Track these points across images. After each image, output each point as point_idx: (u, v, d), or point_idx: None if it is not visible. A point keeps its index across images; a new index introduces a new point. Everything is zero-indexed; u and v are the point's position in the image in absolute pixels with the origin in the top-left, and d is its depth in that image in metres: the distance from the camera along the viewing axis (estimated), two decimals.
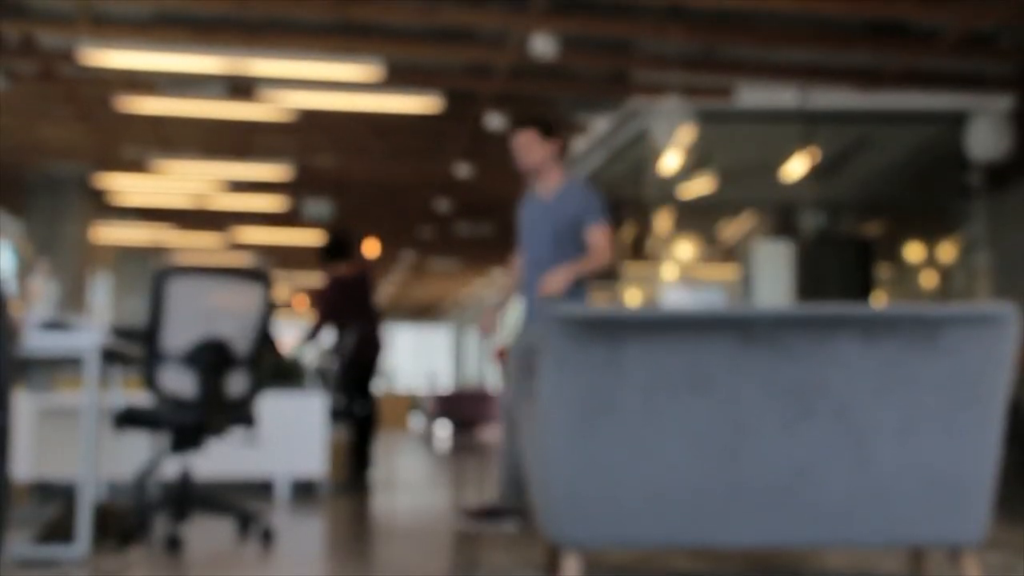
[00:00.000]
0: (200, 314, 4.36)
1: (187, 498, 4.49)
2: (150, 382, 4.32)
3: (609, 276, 12.25)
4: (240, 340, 4.48)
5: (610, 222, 5.02)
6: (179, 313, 4.31)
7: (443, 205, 14.59)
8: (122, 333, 4.81)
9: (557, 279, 4.87)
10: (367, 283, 7.76)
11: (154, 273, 4.34)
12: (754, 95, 9.24)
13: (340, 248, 7.67)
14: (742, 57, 8.74)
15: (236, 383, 4.49)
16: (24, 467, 6.21)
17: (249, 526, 4.61)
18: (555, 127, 5.13)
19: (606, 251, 4.96)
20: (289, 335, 18.22)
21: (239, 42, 8.05)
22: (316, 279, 22.69)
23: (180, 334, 4.32)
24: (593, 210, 4.99)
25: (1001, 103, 8.89)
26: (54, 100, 10.03)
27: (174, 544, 4.17)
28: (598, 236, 4.96)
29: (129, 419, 4.40)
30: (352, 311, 7.61)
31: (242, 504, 4.71)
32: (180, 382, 4.34)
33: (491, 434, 16.11)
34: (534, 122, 5.10)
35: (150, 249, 18.03)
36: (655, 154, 9.02)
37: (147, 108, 9.85)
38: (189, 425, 4.41)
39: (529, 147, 5.08)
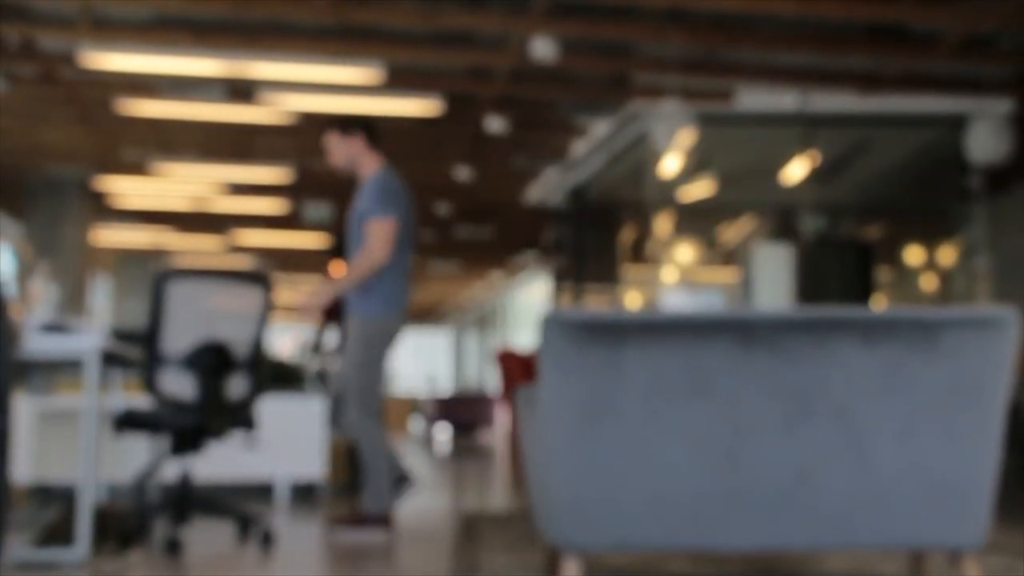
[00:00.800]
0: (200, 317, 4.36)
1: (187, 501, 4.49)
2: (150, 385, 4.33)
3: (610, 279, 12.26)
4: (240, 343, 4.48)
5: (393, 216, 4.84)
6: (179, 316, 4.32)
7: (443, 208, 14.60)
8: (122, 336, 4.81)
9: (312, 298, 4.80)
10: None
11: (154, 275, 4.34)
12: (754, 98, 9.25)
13: (342, 249, 7.75)
14: (742, 60, 8.75)
15: (236, 386, 4.50)
16: (24, 470, 6.21)
17: (249, 529, 4.61)
18: (354, 123, 5.11)
19: (375, 247, 4.79)
20: (288, 338, 18.18)
21: (239, 45, 8.06)
22: (316, 282, 22.70)
23: (180, 337, 4.33)
24: (373, 204, 4.86)
25: (1001, 106, 8.90)
26: (54, 103, 10.03)
27: (174, 547, 4.17)
28: (370, 232, 4.82)
29: (129, 422, 4.40)
30: None
31: (242, 507, 4.71)
32: (180, 385, 4.34)
33: (487, 437, 16.15)
34: (331, 123, 5.12)
35: (150, 252, 18.03)
36: (655, 157, 9.03)
37: (147, 111, 9.86)
38: (189, 428, 4.41)
39: (332, 148, 5.12)
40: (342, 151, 5.10)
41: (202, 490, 4.76)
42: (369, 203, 4.88)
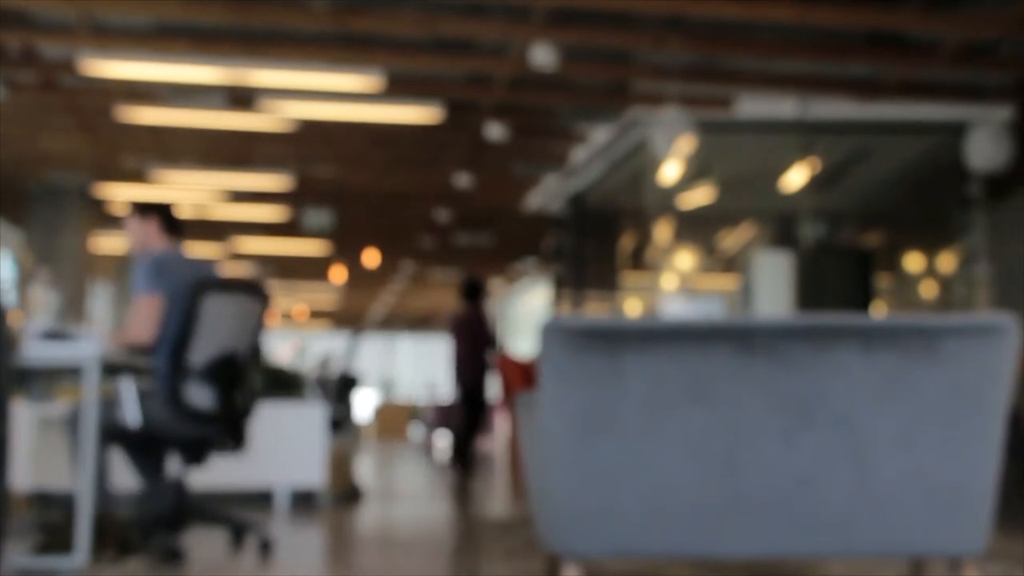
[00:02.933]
0: (221, 329, 4.46)
1: (184, 509, 4.50)
2: (175, 396, 4.37)
3: (610, 287, 12.25)
4: (244, 354, 4.55)
5: (154, 291, 4.62)
6: (208, 328, 4.41)
7: (443, 215, 14.60)
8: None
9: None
10: (478, 321, 9.94)
11: (190, 286, 4.39)
12: (753, 105, 9.25)
13: (466, 290, 9.94)
14: (741, 68, 8.75)
15: (242, 397, 4.58)
16: (23, 477, 6.20)
17: (245, 536, 4.60)
18: (153, 206, 4.93)
19: (135, 325, 4.58)
20: (287, 346, 18.16)
21: (239, 52, 8.06)
22: (317, 290, 22.72)
23: (205, 349, 4.43)
24: (137, 285, 4.68)
25: (1000, 114, 8.90)
26: (54, 110, 10.04)
27: (174, 556, 4.17)
28: (132, 309, 4.65)
29: (148, 438, 4.47)
30: (465, 342, 9.88)
31: (239, 514, 4.71)
32: (201, 397, 4.43)
33: (487, 445, 16.16)
34: (132, 205, 4.94)
35: None
36: (655, 164, 9.03)
37: (147, 118, 9.86)
38: (210, 440, 4.52)
39: (131, 229, 4.92)
40: (138, 233, 4.91)
41: (198, 498, 4.76)
42: (137, 282, 4.72)
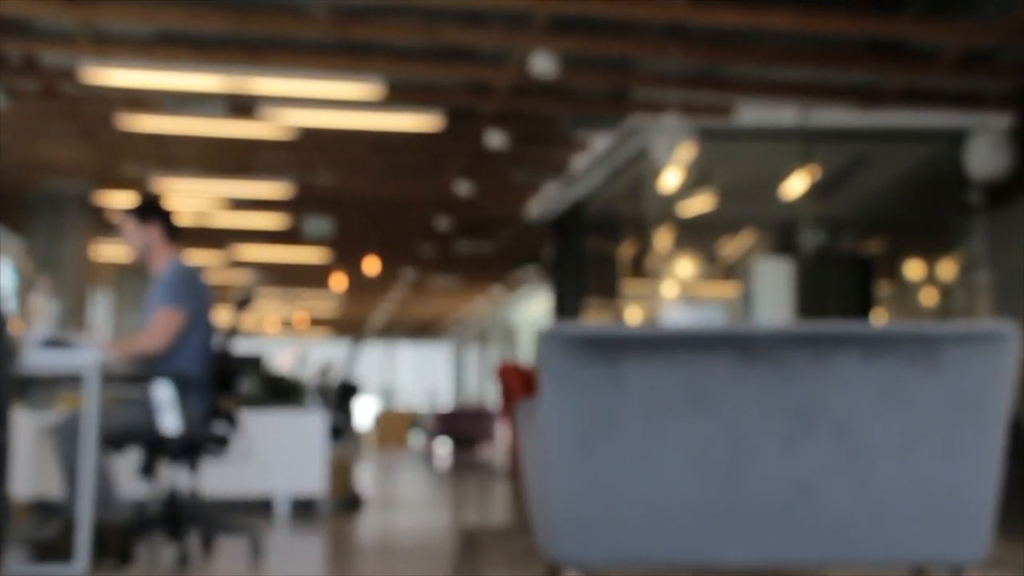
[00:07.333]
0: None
1: (181, 515, 4.51)
2: (215, 400, 4.67)
3: (610, 294, 12.26)
4: None
5: (183, 309, 4.62)
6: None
7: (443, 223, 14.61)
8: None
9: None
10: None
11: (239, 302, 4.78)
12: (754, 113, 9.25)
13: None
14: (742, 75, 8.76)
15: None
16: (23, 485, 6.19)
17: (253, 543, 4.61)
18: (153, 210, 4.84)
19: (154, 336, 4.56)
20: (288, 353, 18.21)
21: (240, 60, 8.07)
22: (317, 297, 22.74)
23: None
24: (163, 294, 4.64)
25: (1000, 121, 8.90)
26: (55, 118, 10.05)
27: (183, 561, 4.19)
28: (155, 319, 4.60)
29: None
30: None
31: (235, 520, 4.71)
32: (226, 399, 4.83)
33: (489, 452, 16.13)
34: (130, 209, 4.83)
35: None
36: (655, 172, 9.03)
37: (148, 126, 9.87)
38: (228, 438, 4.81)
39: (128, 233, 4.83)
40: (138, 237, 4.81)
41: (191, 503, 4.77)
42: (159, 293, 4.68)
